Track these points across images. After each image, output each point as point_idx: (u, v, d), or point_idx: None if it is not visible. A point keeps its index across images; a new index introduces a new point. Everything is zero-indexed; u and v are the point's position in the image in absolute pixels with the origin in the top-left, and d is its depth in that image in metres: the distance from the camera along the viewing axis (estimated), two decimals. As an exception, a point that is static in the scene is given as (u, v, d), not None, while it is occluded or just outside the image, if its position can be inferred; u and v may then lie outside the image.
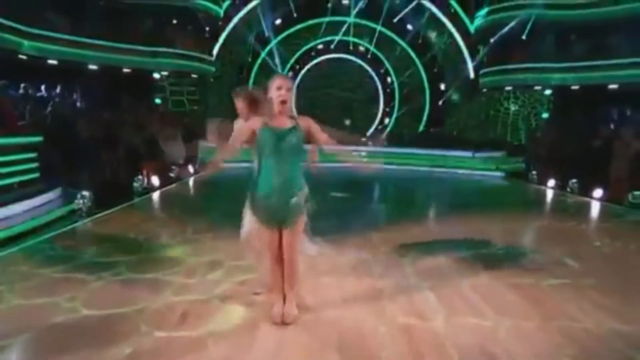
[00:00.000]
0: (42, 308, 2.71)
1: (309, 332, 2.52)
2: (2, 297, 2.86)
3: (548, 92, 13.98)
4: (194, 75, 14.81)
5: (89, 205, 5.41)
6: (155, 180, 7.45)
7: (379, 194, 8.23)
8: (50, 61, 12.09)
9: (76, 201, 5.33)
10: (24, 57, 11.56)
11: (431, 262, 3.84)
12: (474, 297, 3.08)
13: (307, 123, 2.44)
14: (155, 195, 7.00)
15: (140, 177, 7.06)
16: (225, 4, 15.62)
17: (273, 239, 2.50)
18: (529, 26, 12.96)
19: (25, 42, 11.55)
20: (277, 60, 17.51)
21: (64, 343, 2.31)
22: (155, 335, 2.42)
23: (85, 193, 5.41)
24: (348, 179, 9.98)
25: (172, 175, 8.78)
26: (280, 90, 2.32)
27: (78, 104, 9.05)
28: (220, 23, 15.83)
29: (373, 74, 19.54)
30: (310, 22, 17.83)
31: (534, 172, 9.64)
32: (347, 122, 18.58)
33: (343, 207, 6.32)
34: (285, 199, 2.39)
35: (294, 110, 2.47)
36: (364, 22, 18.08)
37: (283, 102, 2.33)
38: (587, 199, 7.46)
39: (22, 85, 9.14)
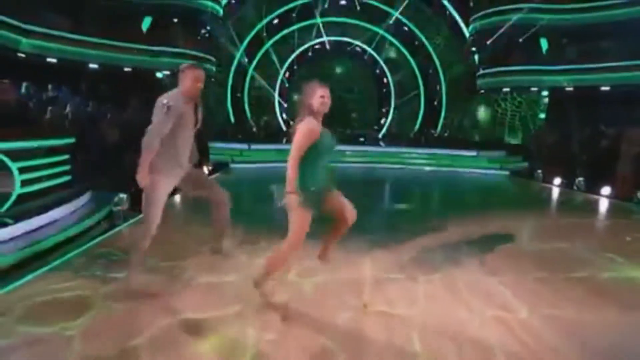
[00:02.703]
0: (143, 312, 2.71)
1: (420, 320, 2.61)
2: (95, 302, 2.82)
3: (545, 93, 14.56)
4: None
5: (126, 208, 5.33)
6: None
7: (401, 195, 8.41)
8: (49, 59, 11.72)
9: (114, 203, 5.24)
10: (22, 55, 11.17)
11: (486, 258, 4.01)
12: (543, 290, 3.27)
13: None
14: (181, 196, 6.87)
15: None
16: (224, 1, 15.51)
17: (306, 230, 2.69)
18: (530, 29, 13.45)
19: (24, 40, 11.16)
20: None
21: (189, 347, 2.33)
22: (266, 338, 2.47)
23: (122, 195, 5.31)
24: (359, 179, 10.14)
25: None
26: (325, 99, 2.62)
27: (89, 104, 8.82)
28: (220, 22, 15.73)
29: (370, 73, 19.82)
30: (307, 22, 17.88)
31: (539, 171, 10.05)
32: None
33: (371, 208, 6.47)
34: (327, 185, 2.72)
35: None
36: (361, 23, 18.33)
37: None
38: (596, 196, 7.85)
39: (27, 84, 8.84)
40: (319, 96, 2.59)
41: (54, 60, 11.76)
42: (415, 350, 2.35)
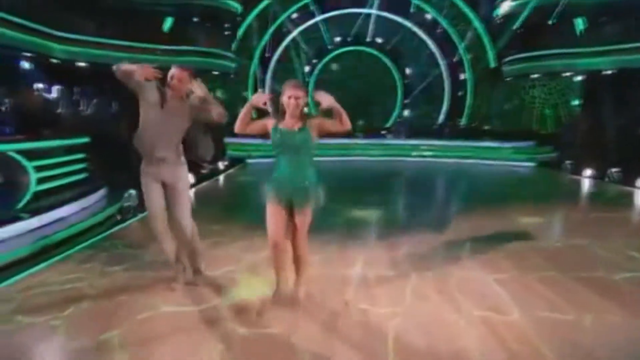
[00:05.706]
0: (126, 304, 2.80)
1: (400, 322, 2.52)
2: (85, 295, 2.96)
3: (579, 78, 13.53)
4: (215, 73, 14.94)
5: (136, 204, 5.54)
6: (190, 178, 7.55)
7: (417, 189, 8.17)
8: (78, 64, 12.37)
9: (124, 199, 5.46)
10: (56, 60, 11.86)
11: (490, 255, 3.81)
12: (545, 291, 3.04)
13: (318, 121, 2.62)
14: (191, 193, 7.07)
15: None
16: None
17: (278, 222, 2.61)
18: (556, 10, 12.54)
19: (56, 46, 11.84)
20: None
21: (160, 338, 2.39)
22: (241, 332, 2.47)
23: (132, 191, 5.53)
24: (378, 173, 9.98)
25: (203, 172, 8.91)
26: (290, 100, 2.52)
27: (111, 104, 9.24)
28: (239, 19, 15.92)
29: (390, 65, 19.32)
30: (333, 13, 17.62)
31: (568, 162, 9.40)
32: None
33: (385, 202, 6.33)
34: (296, 183, 2.59)
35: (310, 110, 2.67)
36: (383, 13, 17.86)
37: (294, 109, 2.53)
38: (629, 188, 7.24)
39: (56, 88, 9.39)
40: (287, 97, 2.55)
41: (83, 64, 12.40)
42: (387, 351, 2.26)
